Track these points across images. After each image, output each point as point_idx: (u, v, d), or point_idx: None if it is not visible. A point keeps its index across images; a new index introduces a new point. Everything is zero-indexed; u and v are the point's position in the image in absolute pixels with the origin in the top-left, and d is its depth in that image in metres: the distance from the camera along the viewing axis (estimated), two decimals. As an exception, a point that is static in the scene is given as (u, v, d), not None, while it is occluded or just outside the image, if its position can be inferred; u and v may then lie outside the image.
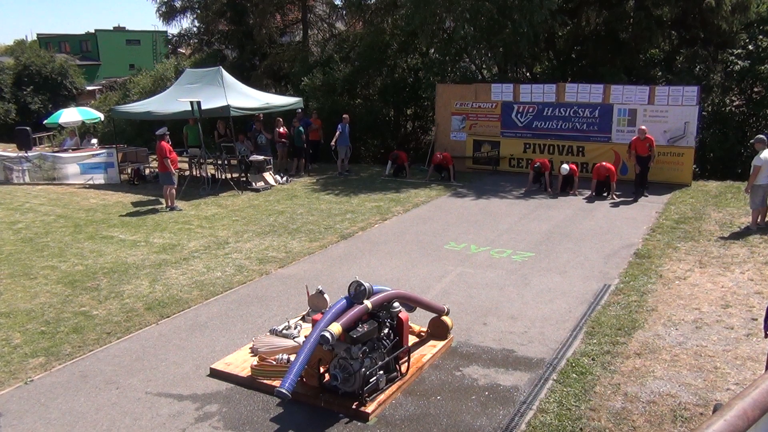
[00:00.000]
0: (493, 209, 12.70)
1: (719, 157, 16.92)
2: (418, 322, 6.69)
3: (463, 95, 16.88)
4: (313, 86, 20.60)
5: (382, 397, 5.40)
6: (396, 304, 5.85)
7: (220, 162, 15.82)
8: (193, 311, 7.69)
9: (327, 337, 5.00)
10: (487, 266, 9.09)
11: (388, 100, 21.05)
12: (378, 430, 5.09)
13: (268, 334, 6.52)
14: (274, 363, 5.84)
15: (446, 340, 6.51)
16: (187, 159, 16.38)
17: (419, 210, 12.82)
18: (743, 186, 11.90)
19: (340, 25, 26.03)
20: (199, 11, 26.52)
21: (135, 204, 14.01)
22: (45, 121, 22.14)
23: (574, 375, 5.81)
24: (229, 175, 15.58)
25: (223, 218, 12.40)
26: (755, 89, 17.74)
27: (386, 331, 5.69)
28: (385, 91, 21.01)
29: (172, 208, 13.14)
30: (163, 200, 13.57)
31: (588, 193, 13.56)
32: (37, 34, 57.79)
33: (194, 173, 16.32)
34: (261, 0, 23.70)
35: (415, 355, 6.11)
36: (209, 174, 15.70)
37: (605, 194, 13.39)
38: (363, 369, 5.23)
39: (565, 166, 13.57)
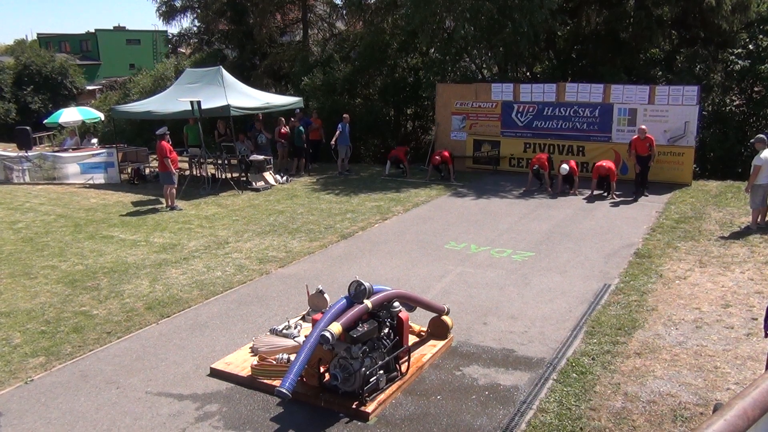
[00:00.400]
0: (493, 209, 12.70)
1: (719, 157, 16.92)
2: (418, 321, 6.69)
3: (463, 95, 16.88)
4: (314, 86, 20.60)
5: (382, 396, 5.40)
6: (396, 303, 5.85)
7: (220, 162, 15.82)
8: (194, 311, 7.70)
9: (327, 337, 5.00)
10: (488, 266, 9.09)
11: (389, 100, 21.05)
12: (378, 429, 5.09)
13: (269, 333, 6.53)
14: (275, 363, 5.84)
15: (446, 340, 6.51)
16: (187, 159, 16.38)
17: (419, 210, 12.82)
18: (743, 186, 11.89)
19: (340, 25, 26.03)
20: (199, 11, 26.53)
21: (135, 204, 14.02)
22: (45, 121, 22.15)
23: (575, 375, 5.81)
24: (229, 175, 15.58)
25: (223, 218, 12.41)
26: (755, 89, 17.74)
27: (386, 330, 5.69)
28: (385, 90, 21.01)
29: (173, 208, 13.15)
30: (163, 200, 13.57)
31: (588, 192, 13.56)
32: (38, 34, 57.92)
33: (194, 173, 16.32)
34: (261, 0, 23.70)
35: (415, 355, 6.11)
36: (209, 174, 15.70)
37: (605, 194, 13.38)
38: (363, 369, 5.23)
39: (565, 166, 13.56)
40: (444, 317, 6.56)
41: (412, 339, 6.32)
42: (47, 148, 21.41)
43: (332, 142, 16.65)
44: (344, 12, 24.52)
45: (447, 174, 15.64)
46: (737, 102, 18.17)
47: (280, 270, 9.16)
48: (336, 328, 5.09)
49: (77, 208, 13.71)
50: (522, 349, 6.41)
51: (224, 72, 16.35)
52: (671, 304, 7.43)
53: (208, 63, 21.91)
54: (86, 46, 54.43)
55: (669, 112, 14.41)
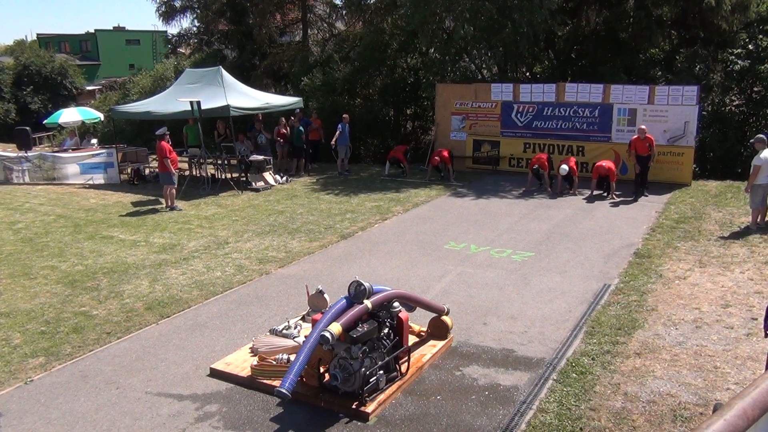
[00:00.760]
0: (493, 209, 12.70)
1: (719, 157, 16.92)
2: (418, 321, 6.69)
3: (462, 95, 16.88)
4: (313, 86, 20.60)
5: (382, 396, 5.40)
6: (396, 303, 5.85)
7: (220, 162, 15.82)
8: (193, 311, 7.69)
9: (327, 337, 5.00)
10: (487, 266, 9.09)
11: (388, 100, 21.05)
12: (378, 429, 5.09)
13: (268, 333, 6.52)
14: (274, 363, 5.84)
15: (446, 340, 6.51)
16: (187, 159, 16.38)
17: (419, 210, 12.82)
18: (743, 186, 11.89)
19: (340, 25, 26.02)
20: (198, 11, 26.52)
21: (135, 204, 14.02)
22: (45, 121, 22.14)
23: (574, 375, 5.81)
24: (229, 175, 15.58)
25: (222, 218, 12.40)
26: (755, 89, 17.74)
27: (386, 330, 5.69)
28: (384, 90, 21.00)
29: (173, 208, 13.14)
30: (163, 200, 13.57)
31: (588, 192, 13.55)
32: (37, 34, 57.88)
33: (194, 173, 16.32)
34: (261, 0, 23.70)
35: (415, 355, 6.11)
36: (209, 174, 15.70)
37: (605, 194, 13.37)
38: (363, 369, 5.23)
39: (564, 167, 13.55)
40: (444, 317, 6.56)
41: (412, 339, 6.32)
42: (47, 149, 21.40)
43: (332, 143, 16.65)
44: (344, 12, 24.54)
45: (447, 174, 15.64)
46: (737, 102, 18.17)
47: (279, 270, 9.16)
48: (336, 328, 5.09)
49: (77, 208, 13.71)
50: (522, 349, 6.41)
51: (224, 72, 16.35)
52: (671, 304, 7.43)
53: (207, 63, 21.91)
54: (86, 47, 54.44)
55: (669, 112, 14.41)
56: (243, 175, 15.88)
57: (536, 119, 15.92)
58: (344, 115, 16.98)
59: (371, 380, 5.35)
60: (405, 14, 18.52)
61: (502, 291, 8.07)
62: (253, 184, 15.41)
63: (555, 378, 5.78)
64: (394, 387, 5.57)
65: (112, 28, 57.51)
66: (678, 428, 4.97)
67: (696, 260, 9.01)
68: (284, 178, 16.12)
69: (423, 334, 6.61)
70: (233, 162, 15.92)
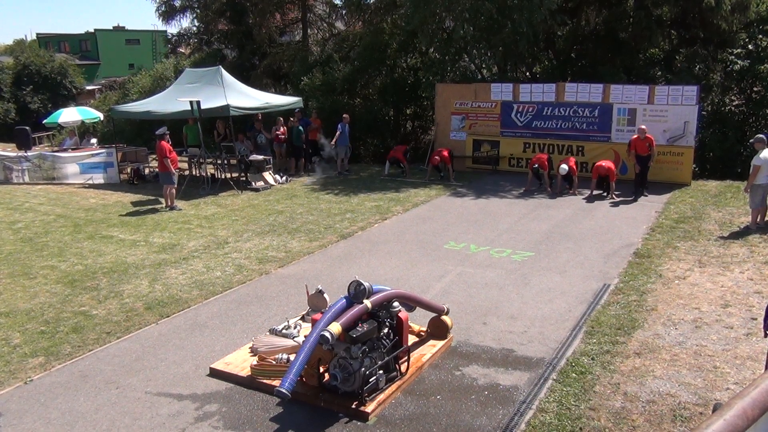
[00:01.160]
0: (492, 209, 12.70)
1: (719, 157, 16.92)
2: (417, 321, 6.69)
3: (462, 95, 16.88)
4: (313, 86, 20.60)
5: (381, 396, 5.40)
6: (396, 303, 5.85)
7: (219, 162, 15.82)
8: (193, 311, 7.69)
9: (327, 337, 5.00)
10: (487, 266, 9.09)
11: (388, 100, 21.04)
12: (378, 429, 5.09)
13: (268, 333, 6.52)
14: (274, 363, 5.84)
15: (446, 340, 6.51)
16: (186, 159, 16.37)
17: (419, 210, 12.82)
18: (743, 185, 11.89)
19: (339, 25, 26.03)
20: (198, 11, 26.51)
21: (134, 204, 14.01)
22: (44, 121, 22.13)
23: (574, 374, 5.81)
24: (228, 175, 15.58)
25: (222, 218, 12.40)
26: (755, 89, 17.74)
27: (386, 330, 5.69)
28: (384, 90, 21.00)
29: (172, 208, 13.14)
30: (162, 200, 13.57)
31: (588, 192, 13.55)
32: (37, 34, 57.92)
33: (194, 173, 16.32)
34: (260, 0, 23.69)
35: (414, 355, 6.11)
36: (209, 174, 15.70)
37: (605, 194, 13.37)
38: (363, 368, 5.23)
39: (564, 167, 13.55)
40: (443, 317, 6.56)
41: (411, 339, 6.31)
42: (47, 148, 21.39)
43: (332, 143, 16.68)
44: (344, 12, 24.53)
45: (447, 174, 15.64)
46: (736, 102, 18.18)
47: (279, 270, 9.16)
48: (335, 328, 5.09)
49: (77, 208, 13.71)
50: (521, 349, 6.41)
51: (224, 72, 16.34)
52: (671, 304, 7.43)
53: (207, 63, 21.91)
54: (85, 46, 54.41)
55: (668, 112, 14.41)
56: (243, 174, 15.88)
57: (536, 119, 15.92)
58: (344, 115, 16.98)
59: (371, 380, 5.35)
60: (405, 14, 18.52)
61: (502, 291, 8.07)
62: (253, 183, 15.41)
63: (555, 378, 5.78)
64: (394, 387, 5.57)
65: (111, 28, 57.47)
66: (678, 428, 4.97)
67: (696, 260, 9.02)
68: (284, 178, 16.12)
69: (423, 333, 6.61)
70: (233, 162, 15.91)
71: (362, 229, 11.36)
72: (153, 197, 14.43)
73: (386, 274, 8.73)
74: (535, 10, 15.42)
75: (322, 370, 5.57)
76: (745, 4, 16.41)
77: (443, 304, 6.73)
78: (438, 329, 6.57)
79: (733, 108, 17.90)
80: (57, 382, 5.99)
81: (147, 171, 17.34)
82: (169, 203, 13.25)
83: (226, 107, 14.50)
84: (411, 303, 6.20)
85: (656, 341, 6.47)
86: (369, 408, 5.24)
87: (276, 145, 17.40)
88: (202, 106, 14.24)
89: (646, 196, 13.21)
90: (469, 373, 5.96)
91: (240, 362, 6.11)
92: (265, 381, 5.70)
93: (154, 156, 16.27)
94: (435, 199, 13.71)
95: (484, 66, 20.25)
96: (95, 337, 6.95)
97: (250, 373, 5.85)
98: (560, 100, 15.59)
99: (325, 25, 26.29)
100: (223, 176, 15.65)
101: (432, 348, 6.35)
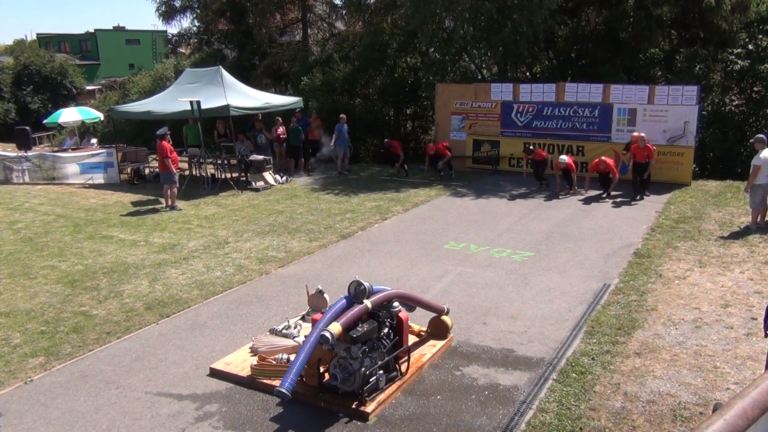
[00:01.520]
0: (492, 209, 12.69)
1: (719, 157, 16.92)
2: (417, 321, 6.69)
3: (462, 95, 16.88)
4: (313, 86, 20.60)
5: (381, 396, 5.40)
6: (396, 303, 5.85)
7: (219, 162, 15.82)
8: (193, 311, 7.69)
9: (327, 337, 5.00)
10: (487, 266, 9.09)
11: (388, 100, 21.05)
12: (378, 429, 5.09)
13: (268, 333, 6.52)
14: (274, 363, 5.84)
15: (446, 340, 6.51)
16: (186, 159, 16.37)
17: (419, 209, 12.82)
18: (743, 185, 11.89)
19: (339, 25, 26.04)
20: (198, 11, 26.54)
21: (135, 204, 14.01)
22: (45, 121, 22.13)
23: (574, 374, 5.81)
24: (228, 175, 15.58)
25: (222, 218, 12.40)
26: (755, 89, 17.75)
27: (386, 330, 5.69)
28: (384, 90, 21.00)
29: (173, 208, 13.14)
30: (162, 200, 13.57)
31: (587, 193, 13.53)
32: (37, 34, 57.89)
33: (194, 173, 16.31)
34: (260, 0, 23.70)
35: (414, 355, 6.11)
36: (209, 174, 15.70)
37: (604, 195, 13.29)
38: (363, 368, 5.23)
39: (564, 157, 13.49)
40: (444, 317, 6.56)
41: (411, 339, 6.31)
42: (47, 148, 21.39)
43: (331, 144, 16.72)
44: (344, 12, 24.55)
45: (445, 172, 15.57)
46: (737, 102, 18.18)
47: (279, 270, 9.16)
48: (336, 328, 5.09)
49: (77, 208, 13.71)
50: (522, 349, 6.41)
51: (224, 72, 16.35)
52: (671, 304, 7.43)
53: (207, 63, 21.91)
54: (86, 46, 54.40)
55: (668, 112, 14.41)
56: (243, 174, 15.88)
57: (536, 119, 15.92)
58: (341, 116, 16.99)
59: (371, 380, 5.35)
60: (405, 14, 18.52)
61: (502, 291, 8.07)
62: (253, 183, 15.41)
63: (555, 378, 5.78)
64: (394, 387, 5.57)
65: (111, 28, 57.47)
66: (678, 428, 4.97)
67: (696, 260, 9.02)
68: (284, 178, 16.12)
69: (423, 333, 6.61)
70: (233, 162, 15.91)
71: (362, 229, 11.36)
72: (153, 197, 14.43)
73: (386, 274, 8.73)
74: (535, 10, 15.43)
75: (322, 370, 5.57)
76: (745, 3, 16.42)
77: (443, 304, 6.73)
78: (438, 329, 6.57)
79: (733, 108, 17.90)
80: (57, 382, 5.99)
81: (147, 171, 17.34)
82: (170, 203, 13.25)
83: (226, 107, 14.50)
84: (411, 303, 6.20)
85: (656, 341, 6.47)
86: (369, 408, 5.24)
87: (276, 145, 17.41)
88: (203, 106, 14.25)
89: (648, 195, 13.18)
90: (470, 373, 5.96)
91: (240, 362, 6.11)
92: (265, 381, 5.70)
93: (154, 156, 16.27)
94: (435, 199, 13.71)
95: (484, 66, 20.27)
96: (95, 337, 6.95)
97: (250, 373, 5.85)
98: (560, 100, 15.59)
99: (325, 25, 26.31)
100: (223, 176, 15.65)
101: (432, 348, 6.35)
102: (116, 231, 11.58)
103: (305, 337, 5.50)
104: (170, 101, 15.64)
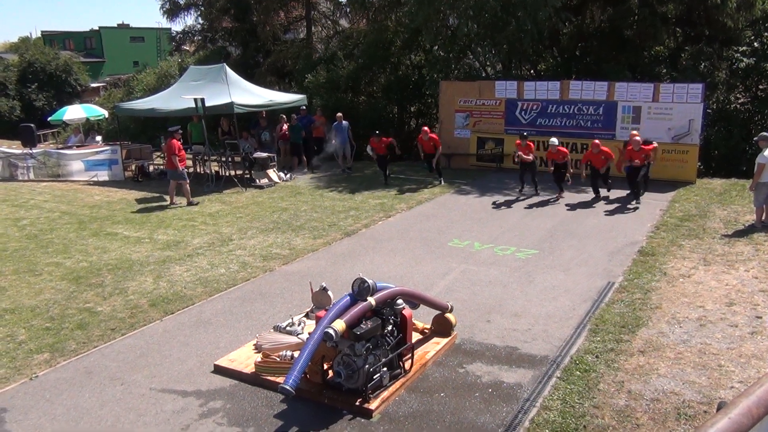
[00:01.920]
0: (496, 206, 12.68)
1: (724, 155, 16.85)
2: (421, 319, 6.69)
3: (467, 92, 16.85)
4: (317, 83, 20.60)
5: (385, 393, 5.41)
6: (399, 301, 5.86)
7: (223, 159, 15.84)
8: (197, 308, 7.71)
9: (331, 334, 5.01)
10: (491, 263, 9.08)
11: (392, 98, 21.04)
12: (381, 426, 5.10)
13: (272, 330, 6.54)
14: (278, 360, 5.85)
15: (450, 337, 6.51)
16: (191, 156, 16.40)
17: (423, 207, 12.81)
18: (748, 184, 11.85)
19: (343, 22, 26.04)
20: (203, 8, 26.58)
21: (139, 201, 14.05)
22: (49, 118, 22.17)
23: (578, 372, 5.81)
24: (232, 172, 15.60)
25: (226, 215, 12.42)
26: (760, 86, 17.69)
27: (390, 328, 5.69)
28: (388, 88, 20.99)
29: (191, 203, 13.27)
30: (167, 197, 13.61)
31: (590, 191, 13.39)
32: (42, 32, 57.85)
33: (198, 170, 16.35)
34: (265, -3, 23.75)
35: (418, 352, 6.11)
36: (213, 171, 15.73)
37: (606, 194, 13.14)
38: (366, 366, 5.24)
39: (554, 140, 12.97)
40: (447, 315, 6.56)
41: (415, 336, 6.32)
42: (51, 146, 21.47)
43: (332, 142, 16.75)
44: (348, 9, 24.57)
45: (430, 166, 14.74)
46: (742, 100, 18.11)
47: (283, 267, 9.17)
48: (339, 325, 5.09)
49: (81, 205, 13.75)
50: (525, 346, 6.41)
51: (228, 69, 16.37)
52: (675, 302, 7.41)
53: (211, 60, 21.95)
54: (90, 44, 54.47)
55: (673, 110, 14.36)
56: (247, 172, 15.90)
57: (540, 117, 15.89)
58: (338, 114, 17.00)
59: (375, 377, 5.35)
60: (409, 11, 18.49)
61: (506, 288, 8.07)
62: (257, 181, 15.43)
63: (559, 376, 5.78)
64: (398, 384, 5.58)
65: (116, 26, 57.51)
66: (682, 426, 4.97)
67: (700, 258, 8.99)
68: (288, 176, 16.14)
69: (426, 331, 6.62)
70: (237, 159, 15.94)
71: (366, 226, 11.36)
72: (157, 194, 14.46)
73: (390, 272, 8.73)
74: (540, 7, 15.38)
75: (326, 367, 5.58)
76: (750, 1, 16.35)
77: (447, 301, 6.74)
78: (442, 326, 6.57)
79: (738, 106, 17.83)
80: (62, 378, 6.02)
81: (152, 168, 17.37)
82: (178, 199, 13.27)
83: (231, 105, 14.53)
84: (415, 300, 6.20)
85: (660, 339, 6.45)
86: (373, 405, 5.25)
87: (280, 142, 17.43)
88: (207, 104, 14.26)
89: (642, 194, 12.84)
90: (473, 370, 5.96)
91: (244, 359, 6.12)
92: (269, 378, 5.71)
93: (158, 153, 16.30)
94: (439, 197, 13.70)
95: (488, 63, 20.23)
96: (100, 334, 6.97)
97: (254, 370, 5.86)
98: (565, 97, 15.55)
99: (329, 22, 26.31)
100: (227, 173, 15.67)
101: (436, 345, 6.35)
102: (121, 228, 11.61)
103: (309, 334, 5.51)
104: (174, 99, 15.67)
